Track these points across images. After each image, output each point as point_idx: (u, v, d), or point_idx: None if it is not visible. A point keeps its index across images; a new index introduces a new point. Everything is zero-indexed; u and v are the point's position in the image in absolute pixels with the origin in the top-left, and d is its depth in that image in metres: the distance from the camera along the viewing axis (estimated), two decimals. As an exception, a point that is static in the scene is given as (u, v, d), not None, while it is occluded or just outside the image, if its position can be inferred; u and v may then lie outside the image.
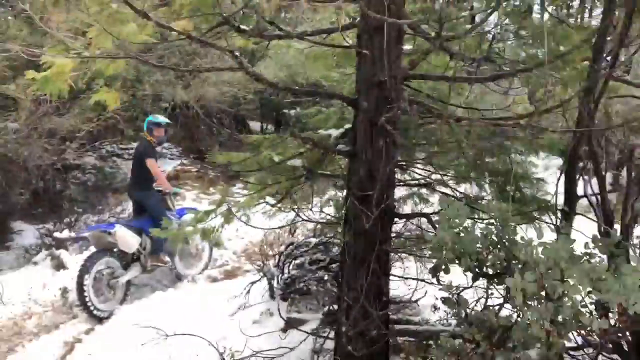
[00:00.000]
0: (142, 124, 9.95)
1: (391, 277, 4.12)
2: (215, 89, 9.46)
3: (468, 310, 2.96)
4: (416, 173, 4.62)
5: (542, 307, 1.99)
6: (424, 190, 4.81)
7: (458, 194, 4.31)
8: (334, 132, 4.11)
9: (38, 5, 6.75)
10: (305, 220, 4.38)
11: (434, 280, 3.03)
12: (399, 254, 4.66)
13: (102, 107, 6.86)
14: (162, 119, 6.60)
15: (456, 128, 3.99)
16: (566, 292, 1.97)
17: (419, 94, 3.89)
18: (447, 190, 4.34)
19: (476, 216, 3.61)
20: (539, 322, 2.08)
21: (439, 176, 4.39)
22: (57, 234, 7.15)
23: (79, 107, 7.65)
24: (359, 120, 3.67)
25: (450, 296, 2.98)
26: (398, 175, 4.75)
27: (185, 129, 11.01)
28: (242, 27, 3.74)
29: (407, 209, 4.93)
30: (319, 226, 5.64)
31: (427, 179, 4.52)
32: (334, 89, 4.57)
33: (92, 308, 5.62)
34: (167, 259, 6.55)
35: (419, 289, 4.45)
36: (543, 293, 2.07)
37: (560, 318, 2.09)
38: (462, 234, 2.90)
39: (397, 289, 4.67)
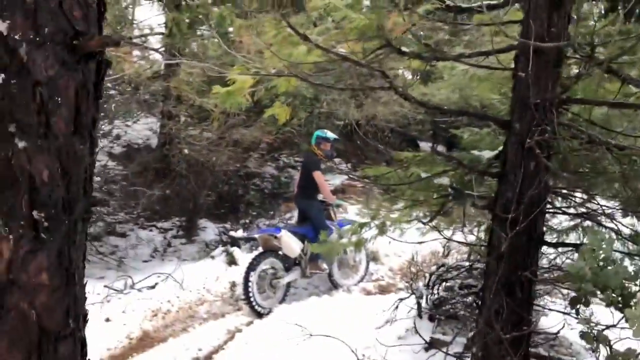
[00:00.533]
0: (314, 137, 10.64)
1: (539, 309, 3.96)
2: (386, 109, 9.74)
3: (609, 349, 2.77)
4: (576, 202, 4.37)
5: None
6: (588, 223, 4.52)
7: (623, 227, 3.99)
8: (487, 154, 4.08)
9: (236, 29, 7.67)
10: (449, 240, 4.37)
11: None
12: (551, 284, 4.42)
13: (284, 123, 7.56)
14: (330, 134, 6.99)
15: (622, 157, 3.73)
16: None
17: (579, 119, 3.70)
18: (611, 223, 4.04)
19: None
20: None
21: (602, 207, 4.11)
22: (232, 233, 7.95)
23: (261, 121, 8.45)
24: (511, 143, 3.62)
25: (589, 331, 2.81)
26: (558, 203, 4.54)
27: (356, 146, 11.48)
28: (403, 49, 3.95)
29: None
30: (474, 249, 5.56)
31: (589, 210, 4.25)
32: (493, 110, 4.53)
33: (254, 303, 6.08)
34: (324, 266, 6.90)
35: (568, 323, 4.18)
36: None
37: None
38: (605, 266, 2.74)
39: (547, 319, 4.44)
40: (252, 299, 6.06)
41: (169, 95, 8.18)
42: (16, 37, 0.87)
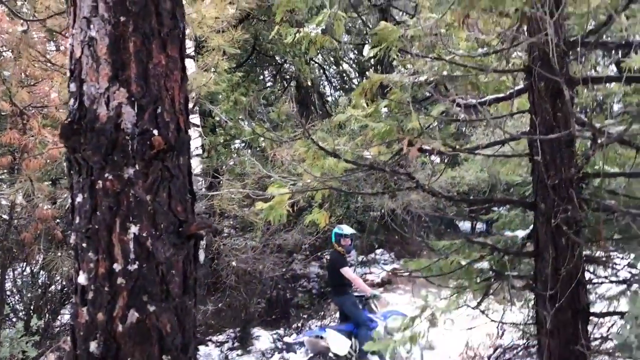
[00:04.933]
0: (356, 233, 10.89)
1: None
2: (419, 196, 10.02)
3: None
4: (618, 269, 4.47)
5: None
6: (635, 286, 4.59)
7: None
8: (521, 233, 4.29)
9: (269, 145, 8.24)
10: (500, 323, 4.47)
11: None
12: (607, 355, 4.42)
13: (323, 225, 7.89)
14: (347, 229, 7.22)
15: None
16: None
17: (601, 192, 3.92)
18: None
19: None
20: None
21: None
22: (286, 339, 8.06)
23: (301, 224, 8.78)
24: (539, 222, 3.84)
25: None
26: (602, 272, 4.65)
27: (396, 236, 11.68)
28: (424, 147, 4.30)
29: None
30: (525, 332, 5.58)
31: (632, 275, 4.35)
32: (519, 189, 4.78)
33: None
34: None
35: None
36: None
37: None
38: (650, 333, 2.86)
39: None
40: None
41: (213, 212, 8.65)
42: (144, 234, 1.25)
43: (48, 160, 6.27)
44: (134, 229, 1.24)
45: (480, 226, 12.75)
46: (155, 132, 1.25)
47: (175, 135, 1.29)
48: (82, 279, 1.24)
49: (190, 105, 8.34)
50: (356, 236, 7.58)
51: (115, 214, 1.23)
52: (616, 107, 4.65)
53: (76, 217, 1.28)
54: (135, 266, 1.23)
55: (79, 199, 1.27)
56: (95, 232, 1.23)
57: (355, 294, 7.00)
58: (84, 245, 1.25)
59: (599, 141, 3.36)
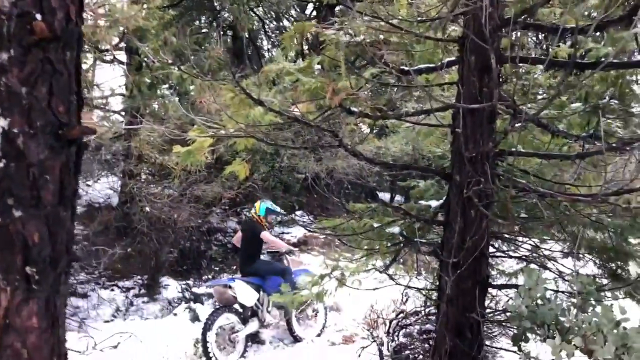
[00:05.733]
0: (277, 192, 10.86)
1: (489, 348, 4.18)
2: (344, 162, 10.10)
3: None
4: (521, 247, 4.69)
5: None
6: (533, 265, 4.82)
7: (565, 269, 4.31)
8: (434, 203, 4.39)
9: (197, 90, 7.97)
10: (406, 287, 4.59)
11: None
12: (499, 325, 4.66)
13: (245, 177, 7.79)
14: (279, 209, 7.25)
15: (555, 203, 4.08)
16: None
17: (512, 170, 4.05)
18: (551, 266, 4.36)
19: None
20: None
21: (543, 249, 4.44)
22: (195, 289, 7.98)
23: (222, 177, 8.64)
24: (452, 193, 3.93)
25: (530, 366, 3.04)
26: (506, 248, 4.86)
27: (316, 199, 11.77)
28: (352, 109, 4.27)
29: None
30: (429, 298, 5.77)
31: (532, 253, 4.57)
32: (439, 162, 4.88)
33: None
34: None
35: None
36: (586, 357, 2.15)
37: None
38: (540, 304, 3.00)
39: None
40: (211, 356, 6.03)
41: (130, 154, 8.33)
42: (14, 130, 1.10)
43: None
44: (2, 122, 1.09)
45: (399, 198, 13.04)
46: (39, 16, 1.11)
47: (63, 24, 1.14)
48: (-62, 172, 1.09)
49: (117, 39, 7.89)
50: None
51: (-18, 102, 1.09)
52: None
53: (-64, 102, 1.11)
54: (1, 164, 1.09)
55: (-59, 82, 1.11)
56: (-44, 121, 1.08)
57: (268, 250, 7.00)
58: (-57, 133, 1.09)
59: (517, 118, 3.45)
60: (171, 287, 8.74)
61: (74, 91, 1.19)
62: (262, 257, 7.06)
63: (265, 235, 6.86)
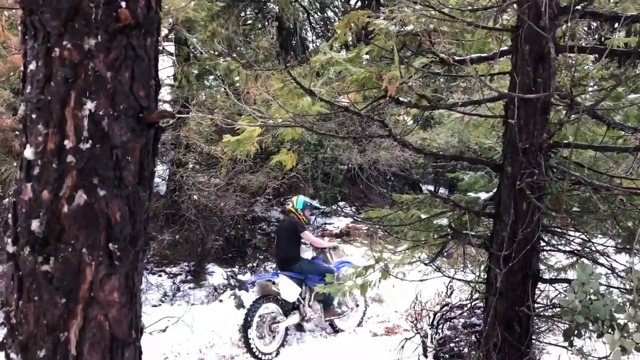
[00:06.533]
0: (320, 183, 10.90)
1: (537, 343, 4.11)
2: (388, 154, 10.06)
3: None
4: (573, 241, 4.58)
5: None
6: (585, 260, 4.71)
7: (617, 264, 4.20)
8: (483, 195, 4.33)
9: (243, 80, 8.05)
10: (452, 279, 4.56)
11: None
12: (550, 320, 4.58)
13: (290, 168, 7.86)
14: (317, 204, 7.22)
15: (609, 197, 3.98)
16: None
17: (567, 162, 3.95)
18: (603, 261, 4.25)
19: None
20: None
21: (596, 244, 4.33)
22: (240, 277, 8.11)
23: (268, 167, 8.74)
24: (504, 185, 3.86)
25: (582, 361, 2.99)
26: (556, 242, 4.75)
27: (359, 190, 11.77)
28: (401, 99, 4.25)
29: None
30: (476, 290, 5.72)
31: (584, 247, 4.46)
32: (488, 154, 4.81)
33: (254, 349, 6.13)
34: (339, 310, 7.00)
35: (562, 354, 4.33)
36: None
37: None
38: (594, 299, 2.93)
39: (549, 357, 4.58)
40: (252, 345, 6.10)
41: (179, 143, 8.50)
42: (100, 113, 1.16)
43: (11, 67, 5.98)
44: (89, 105, 1.15)
45: (442, 191, 12.92)
46: (123, 4, 1.15)
47: (145, 11, 1.19)
48: (28, 153, 1.15)
49: (166, 30, 8.05)
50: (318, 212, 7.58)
51: (70, 86, 1.13)
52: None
53: (27, 86, 1.17)
54: (88, 145, 1.15)
55: (32, 66, 1.16)
56: (47, 104, 1.13)
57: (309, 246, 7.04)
58: (34, 116, 1.15)
59: (574, 109, 3.37)
60: (217, 274, 8.92)
61: (153, 76, 1.24)
62: (303, 254, 7.05)
63: (306, 235, 6.87)
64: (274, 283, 6.48)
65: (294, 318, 6.75)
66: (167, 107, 8.94)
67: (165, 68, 9.25)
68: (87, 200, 1.13)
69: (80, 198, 1.12)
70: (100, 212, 1.14)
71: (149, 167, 1.25)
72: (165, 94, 9.13)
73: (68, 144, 1.13)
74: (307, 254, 7.12)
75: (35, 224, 1.12)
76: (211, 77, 9.48)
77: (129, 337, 1.22)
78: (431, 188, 13.29)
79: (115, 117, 1.15)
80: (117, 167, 1.16)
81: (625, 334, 2.55)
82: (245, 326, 6.12)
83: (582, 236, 4.57)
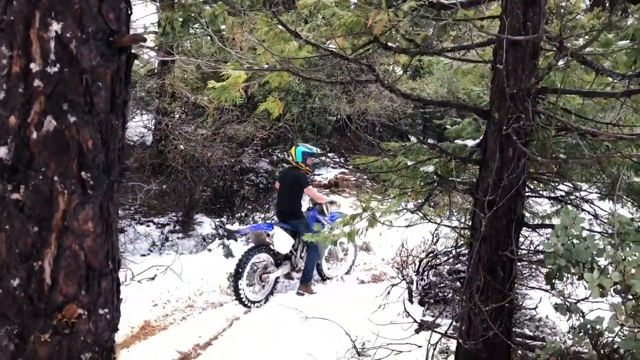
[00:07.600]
0: (309, 134, 10.84)
1: (520, 288, 4.20)
2: (377, 104, 9.98)
3: (581, 319, 3.00)
4: (557, 188, 4.62)
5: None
6: (569, 207, 4.76)
7: (601, 211, 4.25)
8: (470, 142, 4.32)
9: (229, 27, 7.86)
10: (438, 225, 4.59)
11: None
12: (533, 264, 4.67)
13: (277, 118, 7.77)
14: (314, 148, 7.11)
15: (595, 144, 3.99)
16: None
17: (554, 108, 3.94)
18: (588, 208, 4.30)
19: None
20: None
21: (580, 191, 4.37)
22: (228, 227, 8.15)
23: (255, 117, 8.65)
24: (490, 131, 3.85)
25: (563, 303, 3.04)
26: (540, 189, 4.79)
27: (348, 140, 11.74)
28: (389, 44, 4.17)
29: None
30: (462, 236, 5.80)
31: (568, 194, 4.50)
32: (476, 102, 4.77)
33: (242, 295, 6.24)
34: (315, 290, 7.05)
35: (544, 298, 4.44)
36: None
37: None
38: (577, 242, 2.97)
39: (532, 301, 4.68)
40: (240, 291, 6.20)
41: (164, 92, 8.35)
42: (67, 35, 1.11)
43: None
44: (55, 27, 1.09)
45: (431, 141, 12.92)
46: None
47: None
48: (-8, 76, 1.11)
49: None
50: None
51: (35, 5, 1.07)
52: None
53: (-11, 6, 1.12)
54: (56, 69, 1.10)
55: (-7, -15, 1.10)
56: (9, 24, 1.07)
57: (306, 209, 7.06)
58: (-3, 38, 1.10)
59: (563, 52, 3.33)
60: (205, 224, 8.95)
61: (123, -1, 1.19)
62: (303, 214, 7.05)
63: (309, 190, 6.85)
64: (268, 235, 6.52)
65: (285, 268, 6.84)
66: (152, 54, 8.76)
67: (149, 15, 8.99)
68: (56, 126, 1.10)
69: (49, 124, 1.09)
70: (71, 139, 1.11)
71: (122, 95, 1.21)
72: (149, 41, 8.90)
73: (34, 67, 1.08)
74: (303, 203, 7.15)
75: (2, 151, 1.09)
76: (195, 25, 9.25)
77: (106, 267, 1.21)
78: (420, 138, 13.29)
79: (84, 40, 1.10)
80: (87, 93, 1.12)
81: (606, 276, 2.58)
82: (237, 274, 6.19)
83: (567, 183, 4.62)
